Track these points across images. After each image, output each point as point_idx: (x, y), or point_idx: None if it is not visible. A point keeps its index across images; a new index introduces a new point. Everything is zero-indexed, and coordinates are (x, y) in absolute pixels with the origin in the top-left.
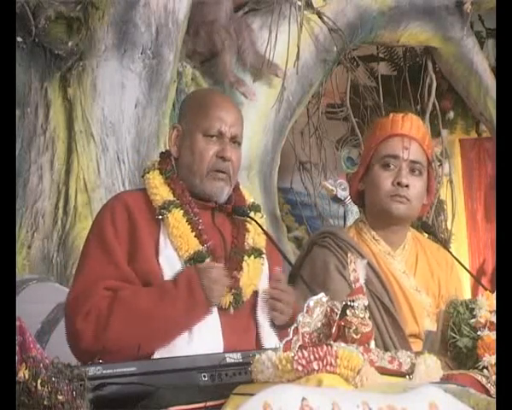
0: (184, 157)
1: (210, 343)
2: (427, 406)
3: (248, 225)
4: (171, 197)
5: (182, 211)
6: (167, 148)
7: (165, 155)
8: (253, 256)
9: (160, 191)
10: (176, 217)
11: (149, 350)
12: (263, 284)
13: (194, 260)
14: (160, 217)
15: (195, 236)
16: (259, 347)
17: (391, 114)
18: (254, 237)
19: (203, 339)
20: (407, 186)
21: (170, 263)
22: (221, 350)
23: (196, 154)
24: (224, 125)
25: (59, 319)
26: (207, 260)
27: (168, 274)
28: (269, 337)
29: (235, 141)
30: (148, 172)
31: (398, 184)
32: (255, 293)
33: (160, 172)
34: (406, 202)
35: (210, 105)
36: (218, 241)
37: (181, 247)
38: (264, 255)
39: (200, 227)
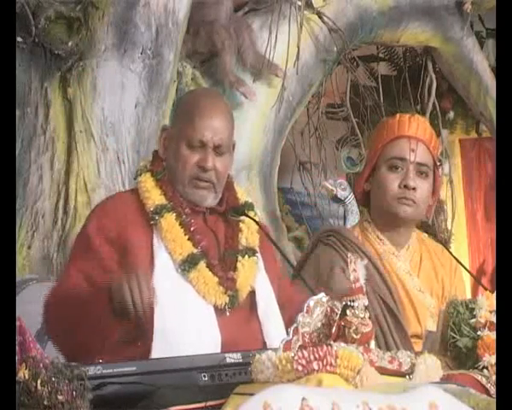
0: (169, 161)
1: (208, 338)
2: (427, 406)
3: (241, 225)
4: (163, 200)
5: (174, 214)
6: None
7: (156, 155)
8: (247, 256)
9: (152, 195)
10: (168, 221)
11: None
12: (259, 283)
13: (188, 262)
14: (152, 222)
15: (189, 239)
16: (264, 344)
17: (397, 115)
18: (248, 236)
19: (201, 336)
20: (414, 189)
21: (164, 266)
22: (219, 345)
23: (179, 162)
24: (207, 135)
25: None
26: (201, 262)
27: (162, 276)
28: (274, 337)
29: (220, 150)
30: (141, 175)
31: (405, 186)
32: (251, 292)
33: (152, 174)
34: (413, 204)
35: (195, 113)
36: (212, 242)
37: (174, 250)
38: (258, 254)
39: (192, 228)
